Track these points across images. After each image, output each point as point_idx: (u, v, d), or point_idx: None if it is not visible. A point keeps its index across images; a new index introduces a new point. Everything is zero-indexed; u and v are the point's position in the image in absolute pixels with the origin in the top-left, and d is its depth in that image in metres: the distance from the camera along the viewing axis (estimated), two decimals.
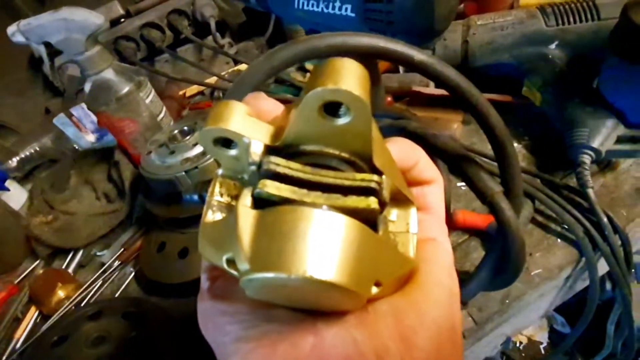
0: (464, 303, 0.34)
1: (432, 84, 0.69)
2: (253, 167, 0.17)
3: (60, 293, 0.55)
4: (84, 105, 0.79)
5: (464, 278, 0.35)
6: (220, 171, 0.19)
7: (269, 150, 0.17)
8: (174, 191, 0.54)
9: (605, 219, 0.45)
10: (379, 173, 0.17)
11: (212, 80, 0.86)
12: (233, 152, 0.18)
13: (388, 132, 0.33)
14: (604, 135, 0.49)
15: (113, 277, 0.60)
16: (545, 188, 0.50)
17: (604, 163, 0.53)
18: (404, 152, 0.22)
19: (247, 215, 0.16)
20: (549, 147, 0.56)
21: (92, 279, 0.59)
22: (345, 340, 0.16)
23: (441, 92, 0.66)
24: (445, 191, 0.32)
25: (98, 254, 0.63)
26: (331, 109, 0.16)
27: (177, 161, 0.53)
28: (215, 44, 0.87)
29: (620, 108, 0.49)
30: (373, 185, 0.16)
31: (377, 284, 0.16)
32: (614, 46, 0.49)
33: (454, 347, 0.18)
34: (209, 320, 0.19)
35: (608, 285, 0.59)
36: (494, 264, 0.33)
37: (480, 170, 0.31)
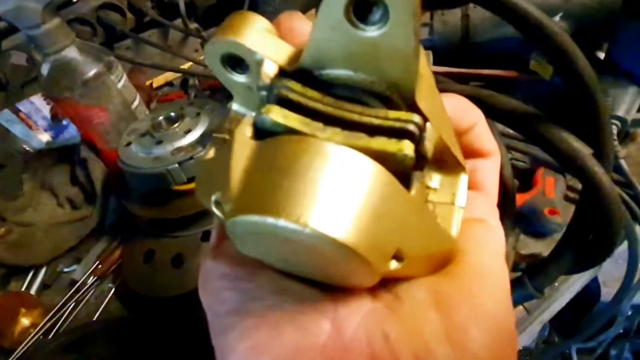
0: (540, 290, 0.30)
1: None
2: (263, 93, 0.14)
3: (24, 321, 0.46)
4: (33, 98, 0.68)
5: (537, 263, 0.31)
6: (233, 105, 0.16)
7: (286, 74, 0.14)
8: (162, 187, 0.46)
9: None
10: (423, 118, 0.13)
11: (186, 66, 0.77)
12: (243, 78, 0.15)
13: None
14: (628, 103, 0.47)
15: (88, 296, 0.50)
16: None
17: (623, 134, 0.51)
18: (458, 109, 0.17)
19: (242, 143, 0.13)
20: (564, 121, 0.54)
21: (62, 301, 0.49)
22: (372, 335, 0.13)
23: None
24: (503, 167, 0.27)
25: (66, 270, 0.54)
26: (362, 11, 0.12)
27: (167, 151, 0.45)
28: (184, 27, 0.78)
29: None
30: (411, 127, 0.13)
31: (398, 258, 0.12)
32: (630, 10, 0.48)
33: (512, 350, 0.14)
34: (207, 284, 0.16)
35: None
36: (577, 242, 0.29)
37: (562, 130, 0.26)
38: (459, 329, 0.13)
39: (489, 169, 0.19)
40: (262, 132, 0.13)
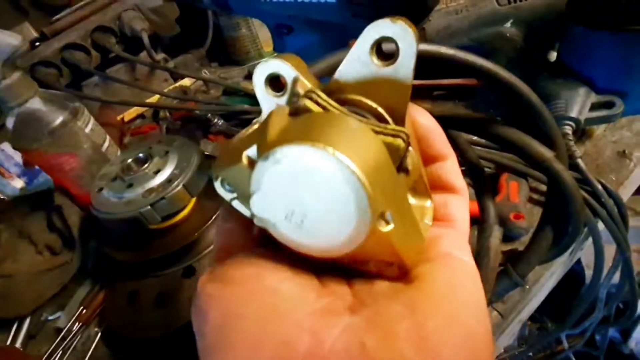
0: (524, 277, 0.32)
1: None
2: (295, 100, 0.17)
3: None
4: (4, 146, 0.67)
5: (517, 254, 0.34)
6: (262, 117, 0.19)
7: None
8: (138, 230, 0.47)
9: (599, 187, 0.45)
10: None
11: (154, 99, 0.77)
12: (281, 100, 0.18)
13: None
14: (579, 104, 0.49)
15: (75, 343, 0.50)
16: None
17: (579, 132, 0.54)
18: (437, 139, 0.20)
19: (280, 114, 0.16)
20: (524, 125, 0.56)
21: (49, 350, 0.49)
22: (351, 346, 0.14)
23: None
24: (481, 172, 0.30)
25: (50, 318, 0.53)
26: (381, 51, 0.17)
27: (138, 194, 0.45)
28: (150, 60, 0.78)
29: (588, 75, 0.50)
30: (402, 135, 0.16)
31: (386, 220, 0.15)
32: (574, 15, 0.50)
33: (487, 356, 0.15)
34: (195, 305, 0.17)
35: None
36: (551, 233, 0.32)
37: (528, 137, 0.29)
38: (432, 337, 0.14)
39: (460, 205, 0.20)
40: (295, 114, 0.16)
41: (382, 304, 0.15)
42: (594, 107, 0.49)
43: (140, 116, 0.84)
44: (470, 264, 0.18)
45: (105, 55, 0.79)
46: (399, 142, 0.16)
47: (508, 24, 0.60)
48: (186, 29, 0.87)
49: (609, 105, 0.49)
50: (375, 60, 0.17)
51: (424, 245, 0.18)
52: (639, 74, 0.47)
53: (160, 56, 0.81)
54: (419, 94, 0.67)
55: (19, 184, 0.68)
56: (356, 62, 0.17)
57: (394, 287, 0.16)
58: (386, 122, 0.18)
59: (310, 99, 0.16)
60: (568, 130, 0.48)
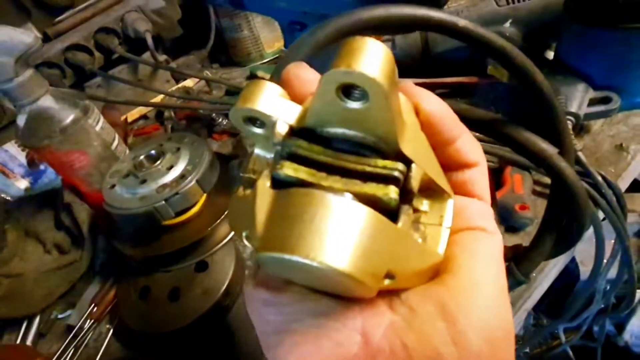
0: (527, 276, 0.33)
1: None
2: (278, 147, 0.17)
3: None
4: (7, 146, 0.67)
5: (520, 252, 0.34)
6: (255, 150, 0.19)
7: (295, 131, 0.17)
8: (151, 225, 0.47)
9: (600, 178, 0.47)
10: (408, 160, 0.16)
11: (158, 99, 0.78)
12: (261, 130, 0.18)
13: None
14: (579, 99, 0.51)
15: (86, 340, 0.51)
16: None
17: (578, 127, 0.55)
18: (444, 123, 0.19)
19: (263, 194, 0.16)
20: (525, 120, 0.58)
21: (61, 348, 0.49)
22: (394, 344, 0.16)
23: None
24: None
25: (61, 316, 0.53)
26: (349, 91, 0.15)
27: (152, 190, 0.46)
28: (154, 61, 0.79)
29: (586, 72, 0.52)
30: (395, 174, 0.16)
31: (390, 276, 0.15)
32: (571, 13, 0.52)
33: (508, 345, 0.17)
34: (253, 307, 0.19)
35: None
36: (552, 230, 0.32)
37: (530, 133, 0.30)
38: (460, 335, 0.16)
39: (478, 177, 0.21)
40: (278, 182, 0.16)
41: (414, 301, 0.17)
42: (592, 102, 0.51)
43: (143, 117, 0.85)
44: (492, 234, 0.19)
45: (108, 56, 0.80)
46: (388, 192, 0.15)
47: (507, 24, 0.62)
48: (188, 30, 0.88)
49: (607, 100, 0.51)
50: (344, 101, 0.15)
51: (439, 258, 0.18)
52: (634, 70, 0.49)
53: (162, 57, 0.82)
54: None
55: (23, 184, 0.68)
56: (326, 105, 0.15)
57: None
58: (380, 151, 0.16)
59: (291, 157, 0.16)
60: (568, 125, 0.50)
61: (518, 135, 0.30)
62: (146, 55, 0.81)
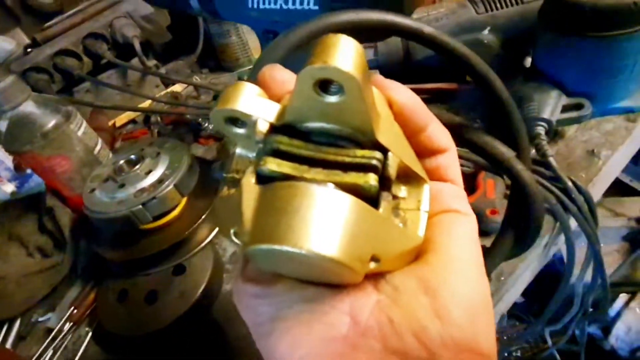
0: (488, 276, 0.34)
1: None
2: (260, 145, 0.18)
3: None
4: None
5: (484, 251, 0.35)
6: (237, 150, 0.20)
7: (275, 128, 0.18)
8: (129, 229, 0.48)
9: (570, 183, 0.48)
10: (384, 150, 0.17)
11: (146, 104, 0.79)
12: (243, 130, 0.18)
13: None
14: (551, 106, 0.52)
15: (65, 342, 0.51)
16: None
17: (552, 133, 0.56)
18: (413, 112, 0.21)
19: (249, 190, 0.17)
20: (501, 127, 0.59)
21: (39, 351, 0.50)
22: (381, 321, 0.17)
23: None
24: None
25: (41, 319, 0.54)
26: (325, 86, 0.16)
27: (130, 194, 0.47)
28: (142, 66, 0.80)
29: (559, 79, 0.53)
30: (373, 162, 0.17)
31: (375, 260, 0.16)
32: (544, 22, 0.53)
33: (488, 318, 0.18)
34: (243, 302, 0.19)
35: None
36: (514, 231, 0.33)
37: (490, 137, 0.31)
38: (443, 308, 0.17)
39: (449, 162, 0.22)
40: (263, 178, 0.17)
41: (398, 280, 0.18)
42: (565, 109, 0.52)
43: (132, 121, 0.86)
44: (467, 215, 0.20)
45: (97, 61, 0.81)
46: (368, 180, 0.16)
47: (485, 32, 0.63)
48: (177, 36, 0.89)
49: (579, 107, 0.52)
50: (322, 95, 0.16)
51: (419, 241, 0.19)
52: (604, 78, 0.50)
53: (151, 63, 0.83)
54: None
55: (9, 188, 0.69)
56: (304, 100, 0.16)
57: None
58: (356, 142, 0.17)
59: (273, 153, 0.17)
60: (541, 130, 0.51)
61: (478, 139, 0.31)
62: (135, 61, 0.82)
